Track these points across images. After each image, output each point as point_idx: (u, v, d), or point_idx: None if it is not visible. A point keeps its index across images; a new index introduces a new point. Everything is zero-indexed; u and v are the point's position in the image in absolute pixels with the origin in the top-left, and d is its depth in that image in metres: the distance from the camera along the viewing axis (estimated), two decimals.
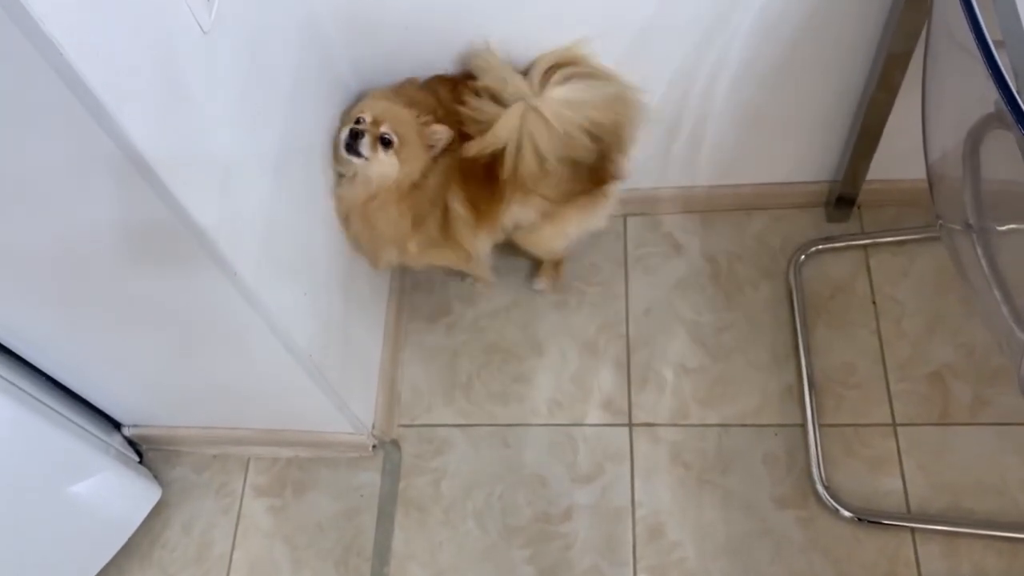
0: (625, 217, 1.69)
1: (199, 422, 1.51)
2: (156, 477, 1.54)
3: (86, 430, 1.37)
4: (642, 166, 1.58)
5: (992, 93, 0.77)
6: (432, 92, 1.30)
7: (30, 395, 1.23)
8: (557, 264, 1.61)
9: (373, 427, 1.50)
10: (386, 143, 1.23)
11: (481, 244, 1.40)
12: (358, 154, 1.23)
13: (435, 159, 1.27)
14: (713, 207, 1.66)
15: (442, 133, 1.25)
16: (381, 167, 1.24)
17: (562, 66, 1.23)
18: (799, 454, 1.43)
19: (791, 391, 1.48)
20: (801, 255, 1.59)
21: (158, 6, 0.80)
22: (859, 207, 1.61)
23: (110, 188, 0.85)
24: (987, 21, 0.80)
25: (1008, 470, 1.36)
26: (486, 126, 1.22)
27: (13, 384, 1.20)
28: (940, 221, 1.09)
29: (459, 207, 1.31)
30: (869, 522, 1.35)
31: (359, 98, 1.32)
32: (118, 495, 1.43)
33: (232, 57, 0.96)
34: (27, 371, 1.25)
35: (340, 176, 1.29)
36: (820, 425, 1.44)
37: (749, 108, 1.42)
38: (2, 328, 1.18)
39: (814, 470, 1.40)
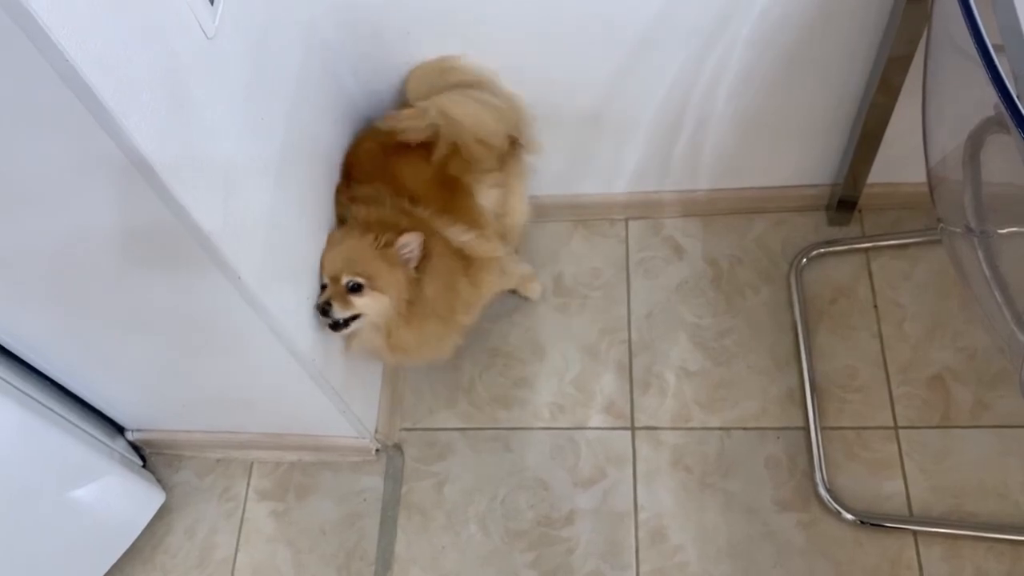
0: (627, 221, 1.69)
1: (202, 426, 1.52)
2: (159, 481, 1.54)
3: (90, 434, 1.38)
4: (643, 170, 1.58)
5: (992, 97, 0.77)
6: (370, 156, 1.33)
7: (35, 399, 1.23)
8: (531, 276, 1.62)
9: (376, 431, 1.50)
10: (356, 288, 1.20)
11: (498, 243, 1.42)
12: (342, 323, 1.21)
13: (422, 260, 1.23)
14: (714, 211, 1.66)
15: (412, 242, 1.21)
16: (371, 312, 1.22)
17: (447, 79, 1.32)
18: (801, 457, 1.43)
19: (793, 395, 1.48)
20: (802, 258, 1.59)
21: (162, 12, 0.81)
22: (860, 210, 1.61)
23: (114, 193, 0.85)
24: (987, 25, 0.80)
25: (1010, 473, 1.37)
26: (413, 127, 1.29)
27: (18, 389, 1.20)
28: (941, 224, 1.10)
29: (465, 235, 1.32)
30: (871, 525, 1.35)
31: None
32: (122, 499, 1.44)
33: (236, 62, 0.96)
34: (32, 376, 1.26)
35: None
36: (822, 428, 1.44)
37: (750, 112, 1.43)
38: (7, 333, 1.18)
39: (816, 473, 1.40)
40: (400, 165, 1.31)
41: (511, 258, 1.50)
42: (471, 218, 1.35)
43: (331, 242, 1.25)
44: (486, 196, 1.40)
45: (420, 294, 1.24)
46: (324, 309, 1.19)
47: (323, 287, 1.22)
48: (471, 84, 1.32)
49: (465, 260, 1.33)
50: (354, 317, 1.22)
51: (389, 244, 1.20)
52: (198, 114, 0.88)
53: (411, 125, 1.29)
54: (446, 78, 1.33)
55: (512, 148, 1.40)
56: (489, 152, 1.33)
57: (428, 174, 1.31)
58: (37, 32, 0.64)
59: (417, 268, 1.23)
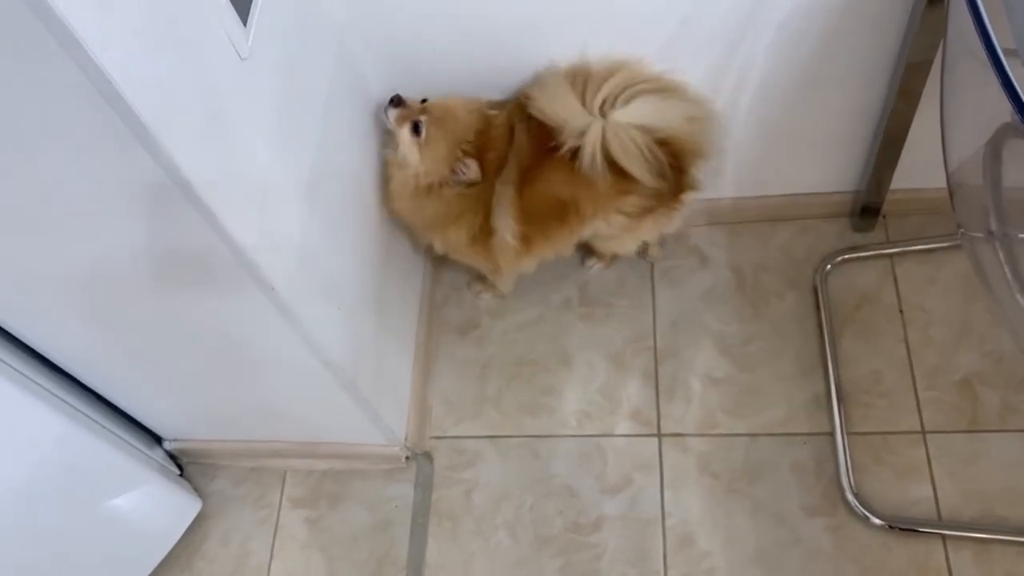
0: None
1: (237, 436, 1.55)
2: (196, 490, 1.58)
3: (130, 444, 1.41)
4: None
5: (1006, 103, 0.78)
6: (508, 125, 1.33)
7: (77, 410, 1.27)
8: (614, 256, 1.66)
9: (405, 439, 1.52)
10: (415, 129, 1.28)
11: (524, 266, 1.46)
12: (389, 113, 1.30)
13: (466, 186, 1.31)
14: (738, 219, 1.68)
15: (470, 170, 1.29)
16: (403, 147, 1.30)
17: (629, 86, 1.23)
18: (828, 463, 1.43)
19: (819, 400, 1.49)
20: (827, 265, 1.59)
21: (198, 34, 0.84)
22: (884, 216, 1.62)
23: (152, 210, 0.89)
24: (1000, 30, 0.81)
25: None
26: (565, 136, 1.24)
27: (61, 399, 1.24)
28: (961, 230, 1.10)
29: (510, 237, 1.35)
30: (900, 530, 1.35)
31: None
32: (160, 507, 1.47)
33: (268, 81, 0.99)
34: (74, 387, 1.30)
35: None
36: (848, 433, 1.44)
37: (772, 121, 1.44)
38: (49, 346, 1.22)
39: (843, 478, 1.40)
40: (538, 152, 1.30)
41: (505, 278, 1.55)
42: (533, 239, 1.37)
43: (454, 100, 1.31)
44: (600, 226, 1.40)
45: (442, 192, 1.32)
46: (395, 101, 1.30)
47: (421, 103, 1.31)
48: (657, 91, 1.25)
49: (484, 231, 1.37)
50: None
51: (466, 153, 1.28)
52: (233, 132, 0.92)
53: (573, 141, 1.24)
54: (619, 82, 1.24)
55: (675, 188, 1.34)
56: (628, 196, 1.32)
57: (557, 177, 1.30)
58: (82, 56, 0.67)
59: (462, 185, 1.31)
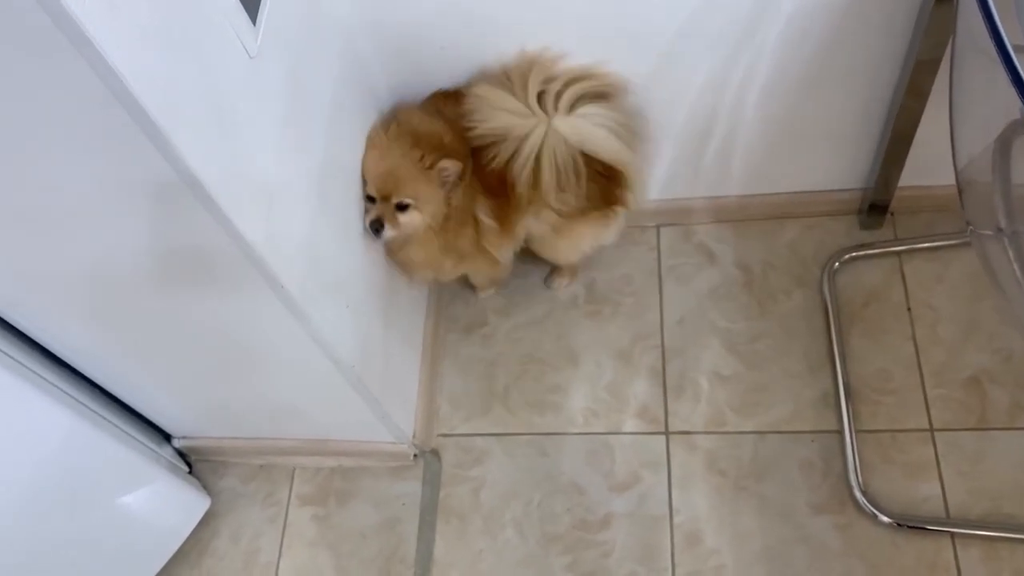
0: (658, 227, 1.71)
1: (246, 433, 1.56)
2: (205, 487, 1.58)
3: (139, 441, 1.42)
4: (674, 177, 1.60)
5: (1016, 99, 0.78)
6: (435, 111, 1.32)
7: (86, 406, 1.28)
8: (572, 269, 1.66)
9: (413, 437, 1.53)
10: (403, 208, 1.26)
11: (505, 251, 1.46)
12: (383, 235, 1.26)
13: (461, 180, 1.30)
14: (745, 216, 1.67)
15: (451, 168, 1.25)
16: (408, 227, 1.27)
17: (572, 83, 1.24)
18: (836, 461, 1.43)
19: (827, 398, 1.48)
20: (835, 263, 1.59)
21: (207, 32, 0.84)
22: (892, 214, 1.61)
23: (160, 208, 0.89)
24: (1009, 26, 0.81)
25: None
26: (499, 138, 1.25)
27: (70, 395, 1.24)
28: (970, 227, 1.10)
29: (486, 218, 1.36)
30: (908, 527, 1.35)
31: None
32: (169, 505, 1.48)
33: (276, 80, 1.00)
34: (83, 383, 1.30)
35: None
36: (857, 431, 1.44)
37: (779, 117, 1.44)
38: (58, 343, 1.23)
39: (851, 476, 1.40)
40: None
41: (506, 267, 1.53)
42: (500, 214, 1.37)
43: (375, 146, 1.27)
44: (531, 223, 1.41)
45: (449, 209, 1.30)
46: (376, 228, 1.25)
47: (369, 198, 1.27)
48: (600, 96, 1.27)
49: (477, 225, 1.37)
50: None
51: (432, 166, 1.25)
52: (242, 130, 0.92)
53: (497, 136, 1.25)
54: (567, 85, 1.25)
55: (608, 196, 1.36)
56: (560, 192, 1.32)
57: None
58: (93, 54, 0.67)
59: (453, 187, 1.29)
